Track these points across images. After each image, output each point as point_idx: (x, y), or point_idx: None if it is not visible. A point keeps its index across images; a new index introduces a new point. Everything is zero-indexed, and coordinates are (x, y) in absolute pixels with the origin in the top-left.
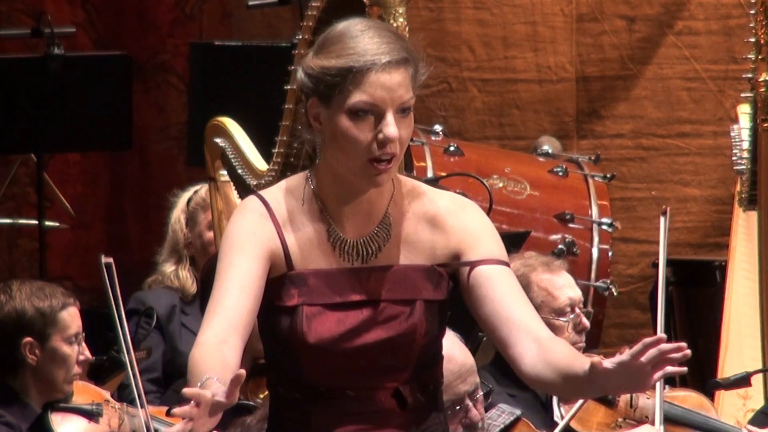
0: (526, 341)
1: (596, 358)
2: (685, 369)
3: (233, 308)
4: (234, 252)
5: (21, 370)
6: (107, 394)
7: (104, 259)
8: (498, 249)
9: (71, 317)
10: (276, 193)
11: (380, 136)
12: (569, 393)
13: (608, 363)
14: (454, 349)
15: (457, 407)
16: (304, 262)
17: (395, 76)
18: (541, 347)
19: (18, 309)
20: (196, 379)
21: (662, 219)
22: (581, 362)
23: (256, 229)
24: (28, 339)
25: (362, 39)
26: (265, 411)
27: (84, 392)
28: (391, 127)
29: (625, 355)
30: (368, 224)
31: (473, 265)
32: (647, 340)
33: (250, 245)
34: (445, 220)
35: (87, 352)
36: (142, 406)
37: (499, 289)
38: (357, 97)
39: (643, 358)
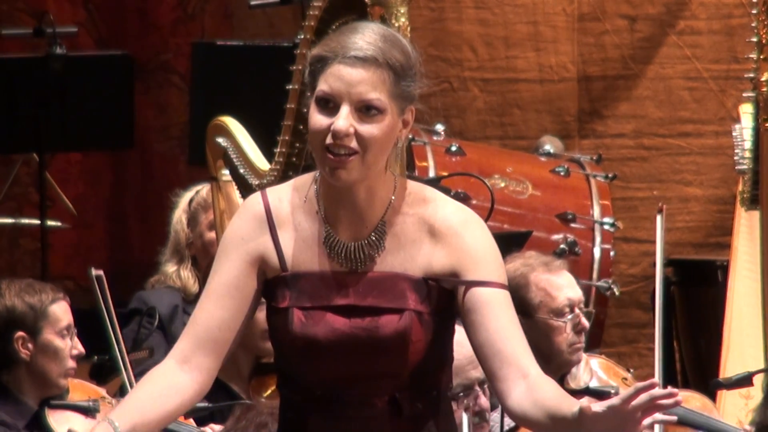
0: (515, 377)
1: (584, 401)
2: (674, 418)
3: (202, 324)
4: (220, 259)
5: (14, 365)
6: (103, 391)
7: (94, 272)
8: (497, 272)
9: (62, 311)
10: (282, 191)
11: (332, 127)
12: None
13: (597, 407)
14: None
15: (462, 393)
16: (298, 263)
17: (357, 71)
18: (528, 385)
19: (8, 305)
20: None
21: (659, 217)
22: (569, 403)
23: (246, 233)
24: (20, 333)
25: (347, 35)
26: (251, 414)
27: (80, 390)
28: (340, 120)
29: (615, 399)
30: (363, 230)
31: (469, 285)
32: (639, 384)
33: (235, 252)
34: (446, 234)
35: (80, 346)
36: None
37: (495, 320)
38: (320, 85)
39: (633, 403)
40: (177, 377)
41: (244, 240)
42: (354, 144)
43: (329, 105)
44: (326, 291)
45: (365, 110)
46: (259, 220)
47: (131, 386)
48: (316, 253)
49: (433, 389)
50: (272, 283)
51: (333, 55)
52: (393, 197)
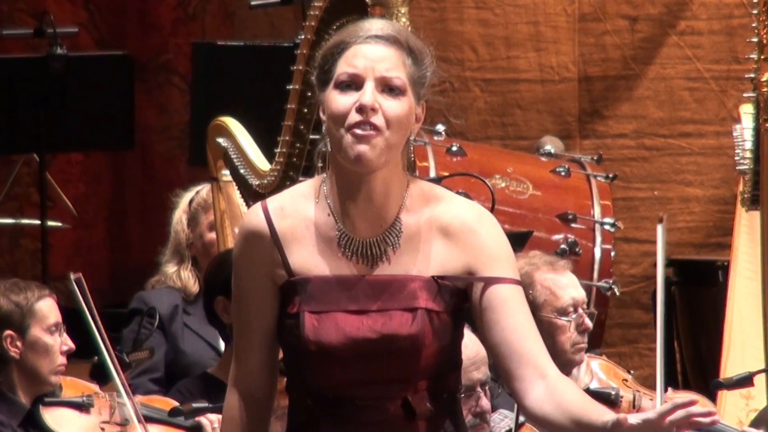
0: (534, 377)
1: (622, 415)
2: None
3: (254, 358)
4: (237, 285)
5: (5, 365)
6: (96, 387)
7: (73, 275)
8: (511, 268)
9: (48, 308)
10: (283, 198)
11: (357, 103)
12: None
13: (633, 419)
14: (471, 336)
15: (463, 395)
16: (308, 267)
17: (379, 49)
18: (549, 386)
19: None
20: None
21: (659, 227)
22: (597, 411)
23: (252, 252)
24: (8, 332)
25: (362, 22)
26: None
27: (72, 387)
28: (367, 95)
29: (651, 413)
30: (377, 227)
31: (487, 282)
32: (678, 400)
33: (246, 274)
34: (460, 231)
35: (69, 342)
36: (129, 397)
37: (512, 318)
38: (341, 69)
39: (670, 418)
40: (249, 414)
41: (252, 260)
42: (379, 120)
43: (351, 87)
44: (338, 294)
45: (388, 90)
46: (260, 233)
47: (124, 388)
48: (327, 255)
49: (444, 392)
50: (282, 288)
51: (353, 38)
52: (406, 196)
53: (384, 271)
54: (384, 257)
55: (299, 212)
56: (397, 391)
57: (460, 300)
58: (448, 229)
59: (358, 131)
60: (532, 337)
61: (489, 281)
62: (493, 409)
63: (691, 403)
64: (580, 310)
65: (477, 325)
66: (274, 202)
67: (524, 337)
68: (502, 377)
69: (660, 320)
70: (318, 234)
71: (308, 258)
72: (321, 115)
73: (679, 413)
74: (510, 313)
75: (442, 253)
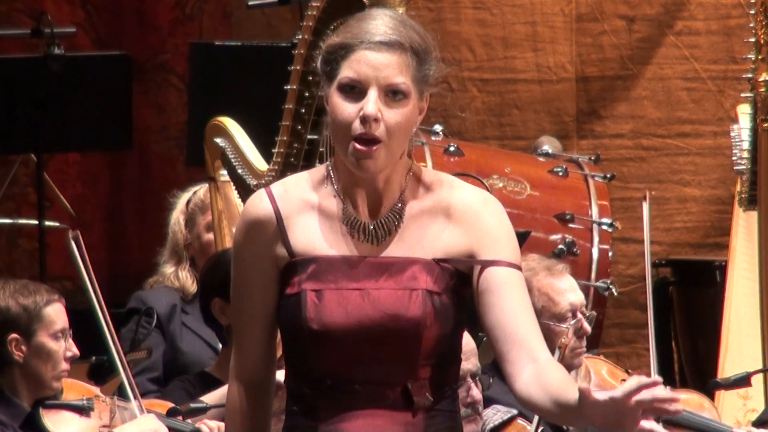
0: (525, 361)
1: (584, 386)
2: None
3: (256, 347)
4: (237, 275)
5: (8, 367)
6: (97, 390)
7: (71, 233)
8: (514, 253)
9: (56, 313)
10: (288, 183)
11: (361, 113)
12: (558, 418)
13: (599, 395)
14: None
15: (459, 383)
16: (311, 248)
17: (383, 55)
18: (538, 369)
19: (2, 306)
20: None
21: (644, 204)
22: (574, 390)
23: (256, 237)
24: (14, 335)
25: (366, 21)
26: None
27: (73, 389)
28: (369, 104)
29: (617, 391)
30: (382, 210)
31: (487, 264)
32: (643, 381)
33: (254, 265)
34: (464, 212)
35: (74, 348)
36: (135, 397)
37: (510, 302)
38: (344, 73)
39: (635, 398)
40: (254, 405)
41: (254, 243)
42: (381, 130)
43: (354, 91)
44: (339, 274)
45: (392, 95)
46: (265, 217)
47: (121, 359)
48: (331, 236)
49: (444, 384)
50: (283, 270)
51: (357, 41)
52: (411, 180)
53: (387, 252)
54: (388, 238)
55: (303, 196)
56: (398, 377)
57: (462, 282)
58: (453, 211)
59: (361, 147)
60: (528, 321)
61: (488, 264)
62: (485, 400)
63: (655, 384)
64: (579, 315)
65: (477, 309)
66: (277, 186)
67: (518, 320)
68: (497, 360)
69: (650, 304)
70: (322, 216)
71: (311, 240)
72: (326, 105)
73: (644, 394)
74: (506, 296)
75: (445, 235)
